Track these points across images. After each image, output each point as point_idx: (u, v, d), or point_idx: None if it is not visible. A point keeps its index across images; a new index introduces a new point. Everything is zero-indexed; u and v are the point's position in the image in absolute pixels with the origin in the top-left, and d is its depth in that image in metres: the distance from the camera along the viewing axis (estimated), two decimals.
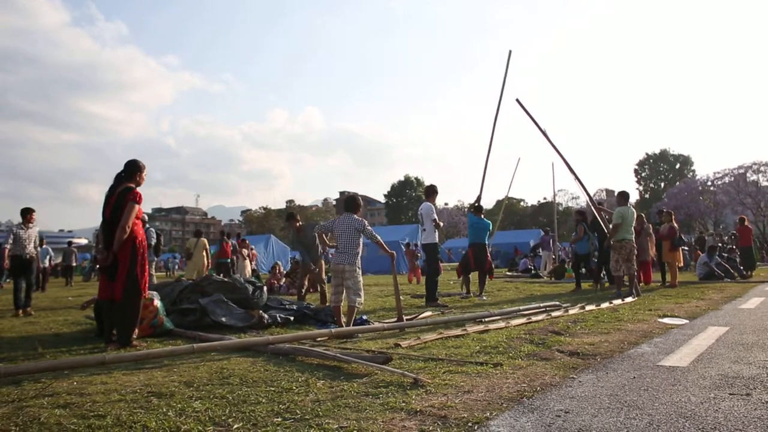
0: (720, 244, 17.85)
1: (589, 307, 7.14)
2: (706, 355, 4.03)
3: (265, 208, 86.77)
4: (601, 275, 11.51)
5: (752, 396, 2.91)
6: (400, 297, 6.58)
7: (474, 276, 10.52)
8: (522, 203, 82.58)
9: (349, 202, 6.21)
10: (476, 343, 4.66)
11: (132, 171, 5.24)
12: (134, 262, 5.02)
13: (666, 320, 6.04)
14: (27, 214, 8.89)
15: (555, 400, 2.89)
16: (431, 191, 9.19)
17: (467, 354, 4.19)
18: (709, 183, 44.43)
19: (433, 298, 8.65)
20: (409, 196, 76.83)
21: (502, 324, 5.67)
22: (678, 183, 55.00)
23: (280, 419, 2.65)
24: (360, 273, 5.96)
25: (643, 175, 69.67)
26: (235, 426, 2.57)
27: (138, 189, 5.22)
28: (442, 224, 9.27)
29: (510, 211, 71.19)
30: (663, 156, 68.48)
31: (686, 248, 14.97)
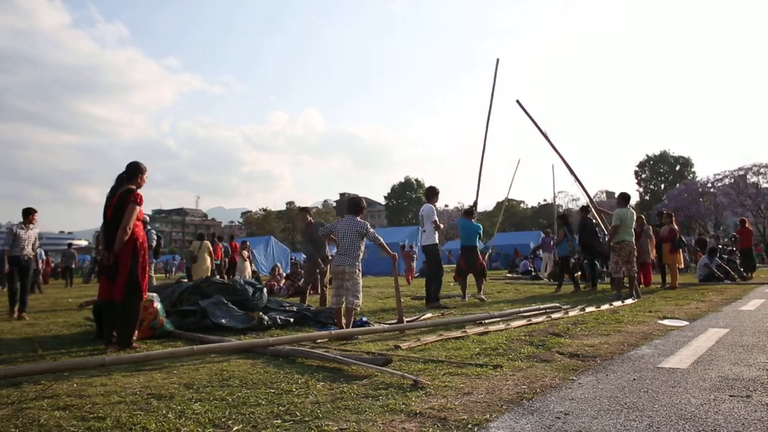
0: (720, 246, 17.84)
1: (589, 309, 7.14)
2: (706, 357, 4.02)
3: (265, 210, 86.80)
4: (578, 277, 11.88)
5: (752, 398, 2.91)
6: (401, 299, 6.58)
7: (471, 279, 10.55)
8: (522, 205, 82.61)
9: (351, 204, 6.22)
10: (476, 344, 4.65)
11: (133, 173, 5.25)
12: (135, 264, 5.02)
13: (666, 322, 6.04)
14: (29, 214, 8.72)
15: (555, 402, 2.89)
16: (432, 193, 9.19)
17: (467, 356, 4.19)
18: (709, 185, 44.40)
19: (433, 300, 8.65)
20: (409, 198, 76.87)
21: (502, 326, 5.67)
22: (678, 185, 54.97)
23: (279, 421, 2.65)
24: (360, 275, 5.97)
25: (643, 176, 69.66)
26: (235, 428, 2.57)
27: (139, 191, 5.23)
28: (442, 226, 9.27)
29: (510, 212, 71.21)
30: (663, 157, 68.48)
31: (686, 253, 15.05)
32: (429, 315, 7.16)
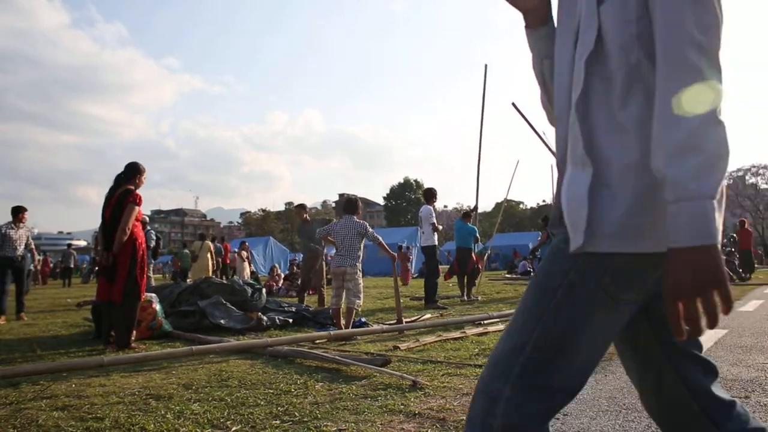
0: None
1: None
2: None
3: (264, 211, 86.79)
4: None
5: (751, 398, 2.91)
6: (400, 299, 6.58)
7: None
8: (521, 206, 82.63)
9: (348, 204, 6.23)
10: (475, 345, 4.65)
11: (132, 173, 5.26)
12: (134, 264, 5.02)
13: None
14: (18, 213, 8.37)
15: None
16: (430, 194, 9.21)
17: (466, 356, 4.19)
18: None
19: (432, 301, 8.66)
20: (408, 199, 76.86)
21: (500, 326, 5.67)
22: None
23: (278, 421, 2.65)
24: (360, 275, 5.97)
25: None
26: (234, 428, 2.57)
27: (137, 191, 5.23)
28: (441, 227, 9.28)
29: (509, 213, 71.21)
30: None
31: None
32: (428, 315, 7.16)
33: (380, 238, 6.14)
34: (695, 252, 0.86)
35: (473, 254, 10.15)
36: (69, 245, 23.93)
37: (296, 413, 2.77)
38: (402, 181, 79.60)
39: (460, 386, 3.26)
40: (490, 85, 10.45)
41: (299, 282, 10.15)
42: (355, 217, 6.09)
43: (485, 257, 13.21)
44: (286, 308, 6.89)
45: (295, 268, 15.62)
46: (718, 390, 1.13)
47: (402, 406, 2.84)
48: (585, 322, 1.01)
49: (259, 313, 6.31)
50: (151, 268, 11.49)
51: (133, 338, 5.03)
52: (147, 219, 11.34)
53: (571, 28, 1.09)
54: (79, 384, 3.53)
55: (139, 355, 4.28)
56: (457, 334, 5.21)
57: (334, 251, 6.22)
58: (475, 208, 10.84)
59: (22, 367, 3.90)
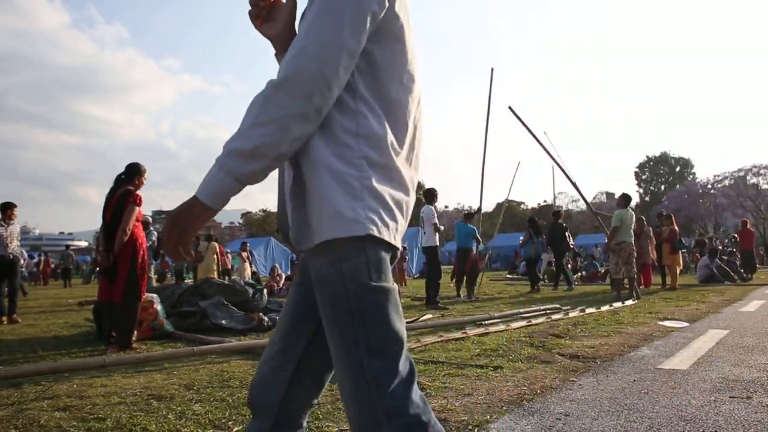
0: (720, 247, 17.84)
1: (589, 310, 7.14)
2: (707, 358, 4.02)
3: (264, 211, 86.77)
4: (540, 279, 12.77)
5: (753, 399, 2.91)
6: (401, 299, 6.57)
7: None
8: (522, 206, 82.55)
9: None
10: (476, 346, 4.65)
11: (132, 174, 5.26)
12: (134, 265, 5.02)
13: (666, 323, 6.04)
14: (7, 209, 7.99)
15: (555, 403, 2.89)
16: (431, 195, 9.20)
17: (467, 357, 4.19)
18: (709, 186, 44.45)
19: (433, 301, 8.66)
20: None
21: (502, 327, 5.67)
22: (678, 186, 55.03)
23: None
24: None
25: (643, 177, 69.69)
26: (235, 429, 2.57)
27: (138, 192, 5.24)
28: (442, 227, 9.28)
29: (510, 213, 71.15)
30: (663, 159, 68.52)
31: (685, 250, 15.18)
32: (429, 316, 7.16)
33: None
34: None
35: (472, 254, 10.17)
36: (67, 246, 23.94)
37: None
38: None
39: (462, 387, 3.25)
40: (488, 87, 10.42)
41: None
42: None
43: (486, 258, 13.23)
44: None
45: (296, 269, 15.62)
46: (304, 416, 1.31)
47: None
48: None
49: (261, 314, 6.31)
50: (152, 269, 11.50)
51: (134, 338, 5.04)
52: (150, 219, 11.37)
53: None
54: (80, 384, 3.53)
55: (140, 355, 4.28)
56: (458, 334, 5.20)
57: None
58: (479, 210, 10.84)
59: (23, 368, 3.91)
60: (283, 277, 14.95)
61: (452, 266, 12.68)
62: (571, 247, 13.30)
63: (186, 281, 11.71)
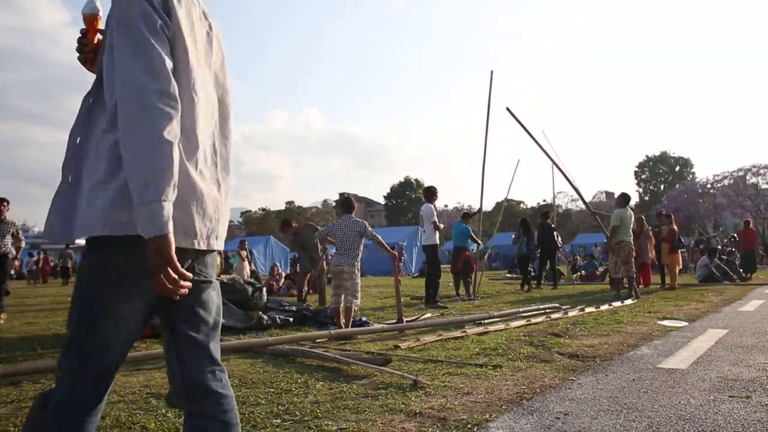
0: (720, 247, 17.84)
1: (588, 310, 7.15)
2: (706, 358, 4.03)
3: (264, 210, 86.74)
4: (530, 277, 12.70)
5: (752, 398, 2.91)
6: (401, 298, 6.58)
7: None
8: (522, 205, 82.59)
9: (345, 204, 6.32)
10: (475, 345, 4.65)
11: None
12: None
13: (665, 322, 6.05)
14: None
15: (554, 402, 2.89)
16: (431, 193, 9.20)
17: (467, 356, 4.19)
18: (709, 185, 44.44)
19: (433, 300, 8.66)
20: (409, 198, 76.84)
21: (501, 326, 5.67)
22: (678, 185, 55.02)
23: (279, 420, 2.65)
24: (359, 275, 5.97)
25: (642, 177, 69.70)
26: None
27: None
28: (442, 226, 9.28)
29: (509, 213, 71.20)
30: (663, 158, 68.52)
31: (684, 250, 15.23)
32: (428, 315, 7.17)
33: (379, 237, 6.15)
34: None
35: (464, 253, 10.19)
36: (67, 246, 23.89)
37: (297, 412, 2.77)
38: (402, 180, 79.59)
39: (461, 385, 3.26)
40: (489, 86, 10.42)
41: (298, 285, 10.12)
42: (353, 216, 6.11)
43: (486, 257, 13.25)
44: (286, 307, 6.89)
45: (297, 268, 15.62)
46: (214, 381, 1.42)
47: (403, 406, 2.84)
48: None
49: (260, 312, 6.31)
50: None
51: None
52: None
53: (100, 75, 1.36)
54: None
55: (139, 353, 4.28)
56: (457, 333, 5.21)
57: (334, 249, 6.24)
58: (479, 210, 10.85)
59: (22, 366, 3.90)
60: (283, 275, 14.95)
61: (449, 265, 12.74)
62: (559, 246, 13.82)
63: None
